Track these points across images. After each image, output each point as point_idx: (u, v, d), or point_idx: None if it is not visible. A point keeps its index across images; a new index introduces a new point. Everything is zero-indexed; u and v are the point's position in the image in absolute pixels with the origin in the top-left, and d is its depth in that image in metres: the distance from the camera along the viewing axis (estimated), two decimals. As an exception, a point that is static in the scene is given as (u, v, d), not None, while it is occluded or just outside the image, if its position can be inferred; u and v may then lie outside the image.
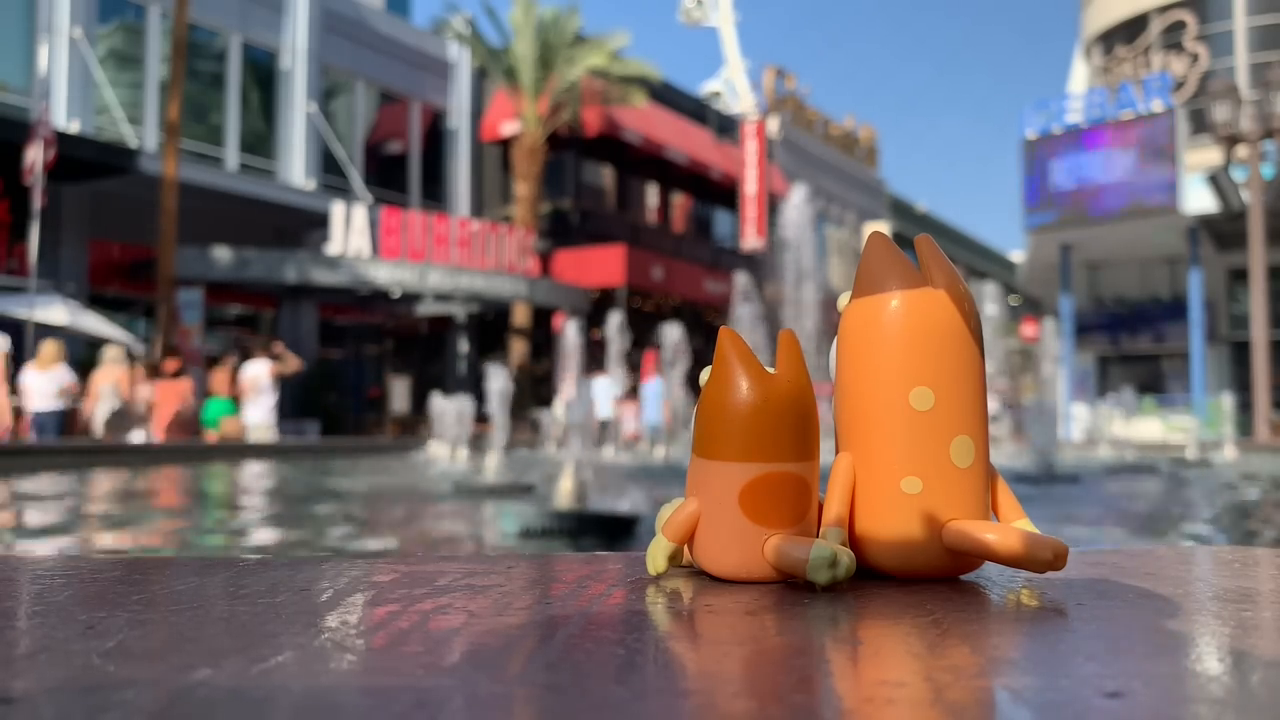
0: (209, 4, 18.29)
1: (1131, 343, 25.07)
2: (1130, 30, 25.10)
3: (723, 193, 28.85)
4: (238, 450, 10.38)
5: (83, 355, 13.73)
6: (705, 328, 23.58)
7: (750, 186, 28.11)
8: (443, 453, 10.54)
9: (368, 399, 22.56)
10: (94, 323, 14.87)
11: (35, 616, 0.70)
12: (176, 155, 13.99)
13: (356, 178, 21.05)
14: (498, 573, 0.88)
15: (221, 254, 17.27)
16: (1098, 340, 25.26)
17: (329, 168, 20.81)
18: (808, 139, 32.93)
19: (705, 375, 0.86)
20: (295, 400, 17.68)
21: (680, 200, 29.00)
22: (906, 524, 0.83)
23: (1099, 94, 21.98)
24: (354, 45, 21.49)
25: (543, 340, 22.08)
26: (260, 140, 20.04)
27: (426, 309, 21.18)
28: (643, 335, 18.43)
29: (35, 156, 12.61)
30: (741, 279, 13.14)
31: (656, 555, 0.85)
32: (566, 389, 13.46)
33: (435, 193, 23.52)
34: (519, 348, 21.60)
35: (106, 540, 3.96)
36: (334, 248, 18.09)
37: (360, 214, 18.29)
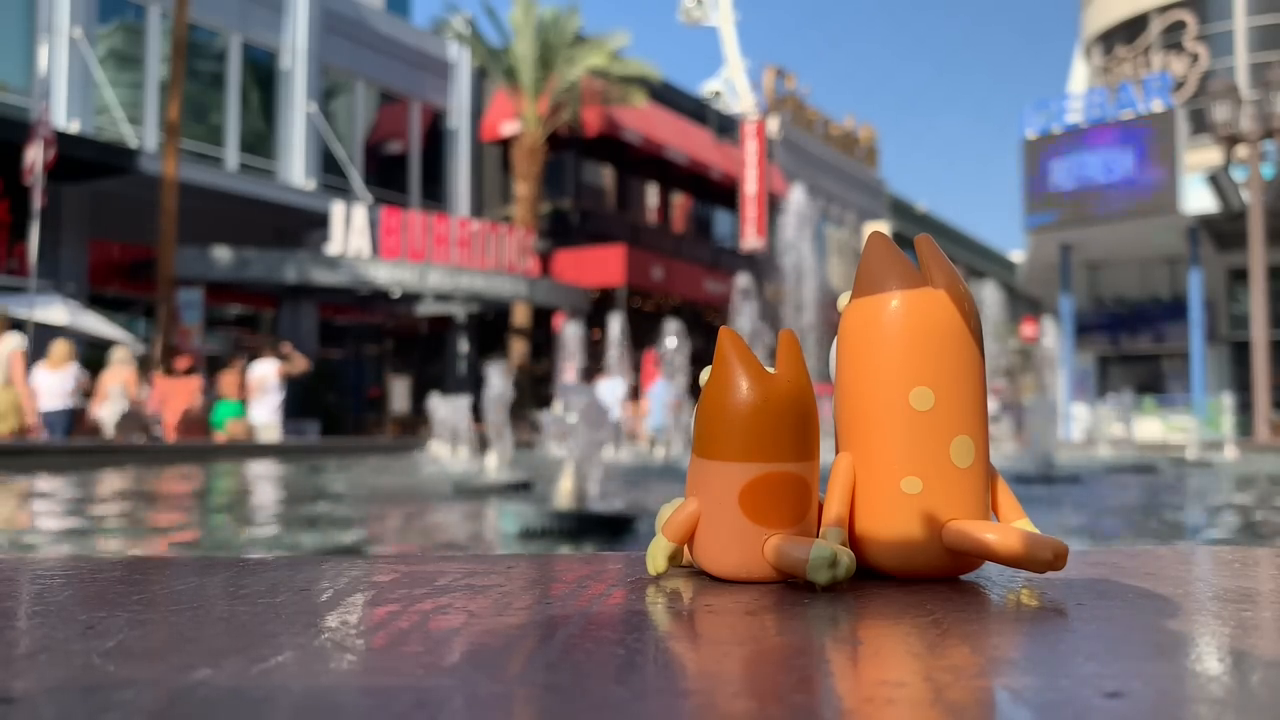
0: (209, 4, 18.30)
1: (1131, 343, 25.07)
2: (1130, 30, 25.10)
3: (723, 193, 28.85)
4: (239, 450, 10.38)
5: (83, 355, 13.73)
6: (705, 328, 23.58)
7: (750, 186, 28.12)
8: (443, 453, 10.54)
9: (368, 399, 22.56)
10: (94, 323, 14.87)
11: (35, 616, 0.70)
12: (176, 155, 13.99)
13: (356, 178, 21.06)
14: (498, 573, 0.88)
15: (221, 254, 17.27)
16: (1098, 340, 25.26)
17: (329, 168, 20.82)
18: (808, 139, 32.93)
19: (705, 375, 0.86)
20: (295, 400, 17.67)
21: (680, 200, 29.00)
22: (906, 524, 0.83)
23: (1099, 94, 21.98)
24: (354, 45, 21.49)
25: (543, 340, 22.07)
26: (260, 140, 20.05)
27: (426, 309, 21.18)
28: (643, 335, 18.44)
29: (35, 156, 12.61)
30: (741, 279, 13.14)
31: (656, 555, 0.85)
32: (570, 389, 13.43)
33: (435, 193, 23.52)
34: (519, 348, 21.60)
35: (117, 544, 3.96)
36: (334, 248, 18.09)
37: (360, 214, 18.29)
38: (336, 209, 18.20)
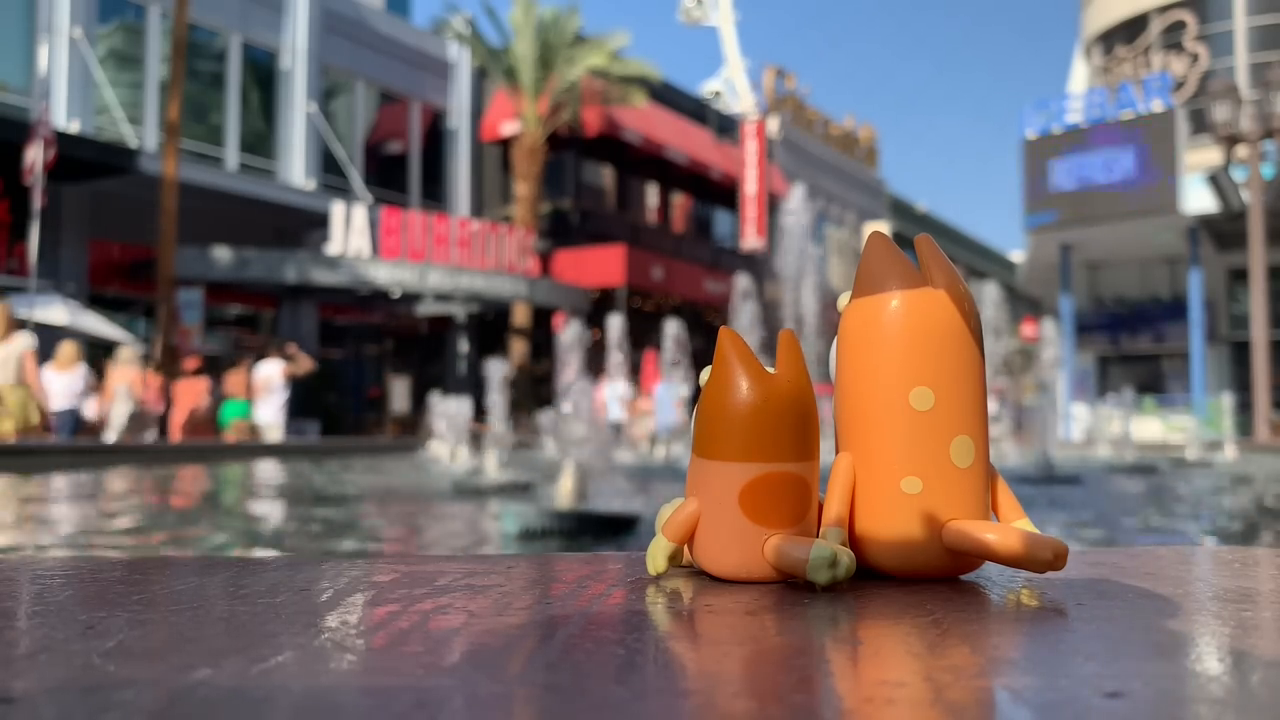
0: (209, 4, 18.30)
1: (1131, 343, 25.07)
2: (1130, 30, 25.10)
3: (723, 193, 28.85)
4: (241, 451, 10.39)
5: (83, 355, 13.73)
6: (705, 328, 23.58)
7: (750, 186, 28.12)
8: (443, 452, 10.55)
9: (368, 399, 22.57)
10: (94, 323, 14.88)
11: (35, 616, 0.70)
12: (176, 155, 13.99)
13: (356, 178, 21.06)
14: (498, 573, 0.88)
15: (221, 254, 17.27)
16: (1098, 340, 25.26)
17: (329, 168, 20.82)
18: (808, 139, 32.93)
19: (705, 375, 0.86)
20: (296, 400, 17.68)
21: (680, 200, 29.00)
22: (906, 524, 0.83)
23: (1099, 94, 21.98)
24: (354, 45, 21.49)
25: (543, 340, 22.07)
26: (260, 140, 20.05)
27: (426, 309, 21.18)
28: (643, 335, 18.44)
29: (35, 156, 12.61)
30: (741, 279, 13.14)
31: (656, 555, 0.85)
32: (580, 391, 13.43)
33: (435, 193, 23.52)
34: (519, 348, 21.61)
35: (118, 544, 3.96)
36: (334, 248, 18.09)
37: (360, 214, 18.29)
38: (336, 209, 18.20)
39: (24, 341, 8.40)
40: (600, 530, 4.14)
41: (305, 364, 12.87)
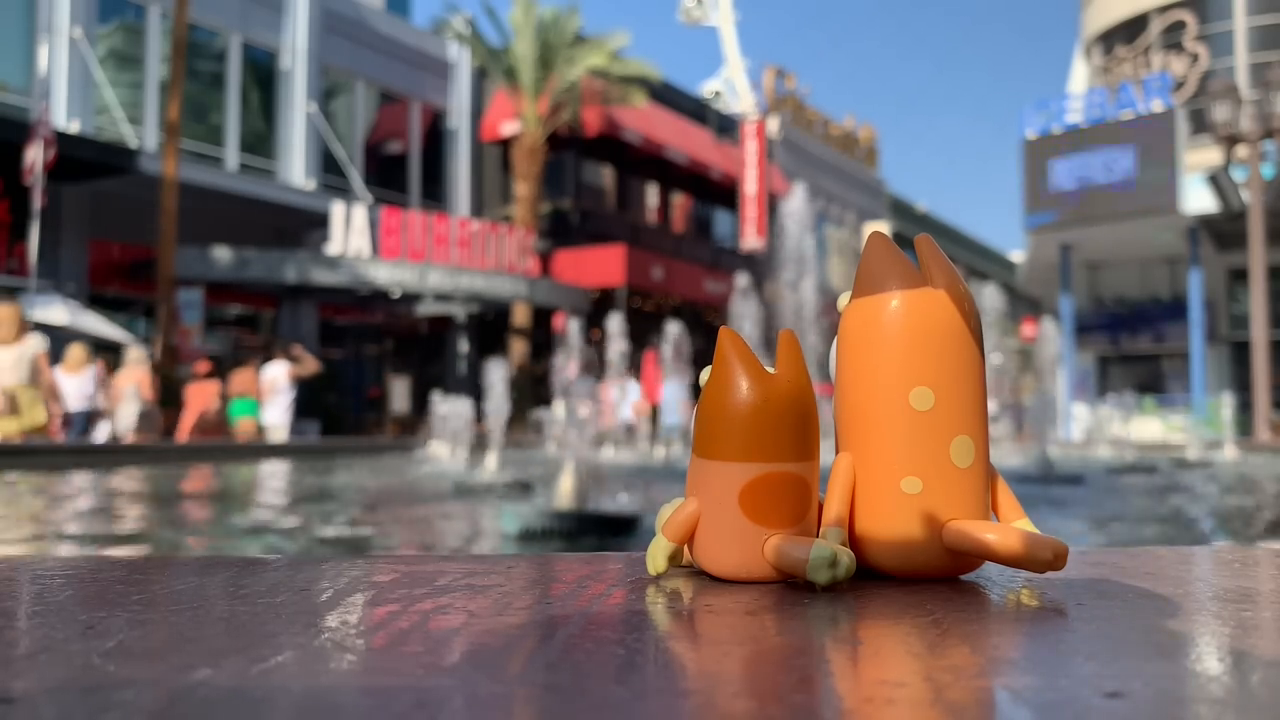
0: (209, 4, 18.30)
1: (1131, 343, 25.07)
2: (1130, 30, 25.10)
3: (723, 193, 28.85)
4: (244, 451, 10.40)
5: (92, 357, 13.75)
6: (705, 328, 23.58)
7: (750, 186, 28.11)
8: (443, 452, 10.55)
9: (368, 399, 22.56)
10: (94, 323, 14.88)
11: (35, 616, 0.70)
12: (176, 155, 13.99)
13: (356, 178, 21.06)
14: (498, 573, 0.88)
15: (221, 254, 17.27)
16: (1098, 340, 25.26)
17: (329, 168, 20.81)
18: (808, 139, 32.93)
19: (705, 375, 0.86)
20: (296, 400, 17.69)
21: (680, 200, 29.00)
22: (906, 524, 0.83)
23: (1099, 94, 21.98)
24: (354, 45, 21.49)
25: (543, 340, 22.08)
26: (260, 140, 20.05)
27: (426, 309, 21.18)
28: (643, 335, 18.44)
29: (35, 156, 12.62)
30: (741, 279, 13.15)
31: (656, 555, 0.85)
32: (603, 391, 13.46)
33: (435, 193, 23.52)
34: (519, 348, 21.60)
35: (119, 545, 3.96)
36: (334, 248, 18.09)
37: (360, 214, 18.29)
38: (336, 209, 18.20)
39: (36, 343, 8.39)
40: (601, 530, 4.14)
41: (311, 365, 12.89)
